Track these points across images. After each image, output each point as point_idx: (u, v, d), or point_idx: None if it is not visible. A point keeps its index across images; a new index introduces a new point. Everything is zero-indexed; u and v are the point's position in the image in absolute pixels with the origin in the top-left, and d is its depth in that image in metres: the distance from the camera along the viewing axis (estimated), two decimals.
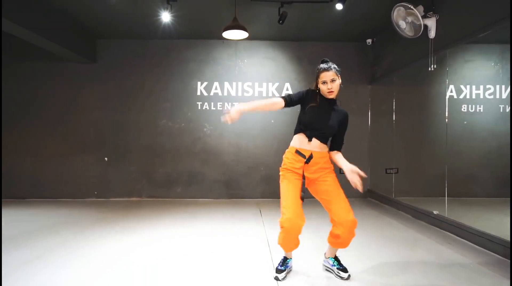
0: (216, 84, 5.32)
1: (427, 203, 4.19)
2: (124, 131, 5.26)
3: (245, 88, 5.34)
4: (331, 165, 2.20)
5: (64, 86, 5.23)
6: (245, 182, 5.29)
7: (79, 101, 5.24)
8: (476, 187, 4.34)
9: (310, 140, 2.12)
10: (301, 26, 4.77)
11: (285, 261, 2.27)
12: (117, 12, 4.23)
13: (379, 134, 5.28)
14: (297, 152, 2.14)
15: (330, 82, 2.09)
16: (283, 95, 2.20)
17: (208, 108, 5.31)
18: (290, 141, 2.23)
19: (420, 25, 3.45)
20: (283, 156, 2.21)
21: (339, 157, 2.19)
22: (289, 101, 2.15)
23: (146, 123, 5.28)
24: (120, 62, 5.26)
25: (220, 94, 5.32)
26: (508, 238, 2.56)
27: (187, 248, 2.82)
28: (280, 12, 3.95)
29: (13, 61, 5.19)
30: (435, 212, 3.53)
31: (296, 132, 2.21)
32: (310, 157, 2.11)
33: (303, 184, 2.12)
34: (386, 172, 5.13)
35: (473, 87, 4.44)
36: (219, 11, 4.15)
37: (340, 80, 2.16)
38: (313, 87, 2.21)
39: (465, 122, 4.49)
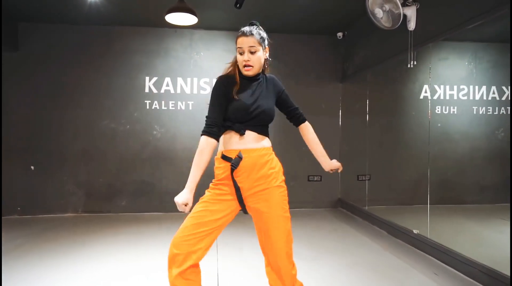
0: (167, 79, 4.60)
1: (403, 213, 3.80)
2: (55, 134, 4.41)
3: (202, 85, 4.66)
4: (279, 170, 1.58)
5: None
6: (202, 193, 4.61)
7: None
8: (451, 193, 4.05)
9: (242, 133, 1.51)
10: (265, 16, 4.17)
11: None
12: None
13: (351, 137, 4.81)
14: (223, 157, 1.53)
15: (248, 53, 1.51)
16: (204, 128, 1.50)
17: (158, 108, 4.58)
18: None
19: (400, 14, 2.95)
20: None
21: (314, 142, 1.72)
22: (214, 127, 1.50)
23: (84, 124, 4.46)
24: (50, 51, 4.39)
25: (172, 91, 4.60)
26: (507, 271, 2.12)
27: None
28: None
29: None
30: (415, 232, 3.07)
31: (222, 132, 1.57)
32: (239, 157, 1.49)
33: (240, 199, 1.51)
34: (358, 179, 4.69)
35: (447, 87, 4.11)
36: None
37: (267, 54, 1.60)
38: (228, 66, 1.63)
39: (439, 125, 4.18)
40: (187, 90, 4.63)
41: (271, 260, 1.53)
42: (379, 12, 3.06)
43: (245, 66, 1.52)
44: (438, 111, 4.09)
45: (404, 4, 3.01)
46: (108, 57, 4.51)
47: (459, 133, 4.02)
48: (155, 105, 4.57)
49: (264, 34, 1.57)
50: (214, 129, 1.49)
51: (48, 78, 4.39)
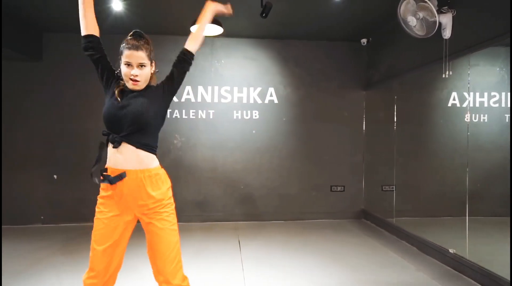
0: (188, 88, 4.55)
1: (433, 226, 3.68)
2: (77, 143, 4.41)
3: (223, 93, 4.60)
4: (168, 193, 1.55)
5: (2, 89, 4.33)
6: (222, 203, 4.56)
7: (22, 106, 4.35)
8: (480, 205, 3.89)
9: (115, 146, 1.44)
10: (287, 22, 4.08)
11: None
12: None
13: (375, 145, 4.67)
14: (101, 173, 1.47)
15: (138, 67, 1.44)
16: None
17: (179, 116, 4.53)
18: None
19: (435, 22, 2.81)
20: None
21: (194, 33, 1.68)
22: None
23: None
24: (72, 61, 4.39)
25: (193, 100, 4.55)
26: None
27: None
28: (264, 3, 3.24)
29: None
30: (451, 251, 2.91)
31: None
32: (120, 177, 1.43)
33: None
34: (382, 190, 4.54)
35: (477, 94, 3.95)
36: (191, 1, 3.40)
37: (154, 68, 1.55)
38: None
39: (468, 133, 4.03)
40: (208, 99, 4.57)
41: (163, 270, 1.50)
42: (412, 20, 2.93)
43: (132, 80, 1.45)
44: (467, 119, 3.94)
45: (439, 12, 2.87)
46: None
47: (490, 142, 3.85)
48: (176, 113, 4.52)
49: (151, 47, 1.50)
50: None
51: (71, 88, 4.40)
